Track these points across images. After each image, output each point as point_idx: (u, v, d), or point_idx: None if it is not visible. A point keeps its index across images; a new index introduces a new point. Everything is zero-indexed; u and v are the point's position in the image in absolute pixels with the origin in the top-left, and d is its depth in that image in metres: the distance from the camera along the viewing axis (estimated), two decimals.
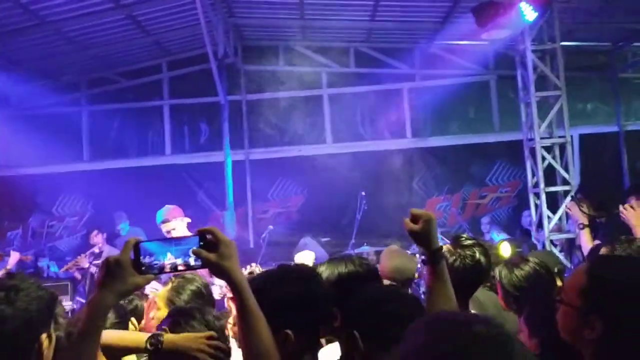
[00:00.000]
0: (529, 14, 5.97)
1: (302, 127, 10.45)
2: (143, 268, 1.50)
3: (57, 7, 7.52)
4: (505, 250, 4.10)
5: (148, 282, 1.55)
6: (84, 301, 6.94)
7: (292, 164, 10.20)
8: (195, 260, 1.53)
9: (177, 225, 5.11)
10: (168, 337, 2.07)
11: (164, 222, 5.10)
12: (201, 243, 1.53)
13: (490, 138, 10.14)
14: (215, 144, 9.87)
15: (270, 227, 8.34)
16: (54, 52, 8.84)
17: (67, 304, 6.91)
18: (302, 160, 10.18)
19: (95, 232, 7.86)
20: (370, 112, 10.50)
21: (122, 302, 2.82)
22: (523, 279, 2.73)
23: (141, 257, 1.51)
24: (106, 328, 2.25)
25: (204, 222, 10.11)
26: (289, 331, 1.70)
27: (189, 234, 5.35)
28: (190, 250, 1.52)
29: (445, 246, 2.51)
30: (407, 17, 9.09)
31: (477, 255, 2.51)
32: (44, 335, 1.66)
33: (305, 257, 4.57)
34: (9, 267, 6.55)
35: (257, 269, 3.54)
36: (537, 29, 6.66)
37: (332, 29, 9.66)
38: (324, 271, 2.18)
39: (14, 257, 6.73)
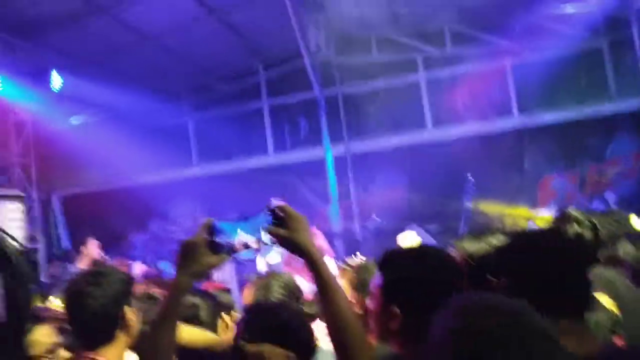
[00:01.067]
0: None
1: (401, 115, 10.24)
2: (218, 247, 1.51)
3: (155, 22, 7.89)
4: (638, 223, 3.65)
5: (222, 262, 1.56)
6: None
7: (394, 154, 10.01)
8: (267, 237, 1.53)
9: None
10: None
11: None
12: (273, 220, 1.52)
13: (607, 108, 9.34)
14: (315, 140, 9.94)
15: (374, 216, 8.22)
16: (155, 65, 9.29)
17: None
18: (404, 150, 9.97)
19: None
20: (471, 93, 10.05)
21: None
22: None
23: (216, 237, 1.52)
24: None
25: (310, 219, 10.24)
26: (396, 309, 1.65)
27: None
28: (262, 227, 1.51)
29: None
30: None
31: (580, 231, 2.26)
32: (126, 307, 2.16)
33: (408, 238, 4.42)
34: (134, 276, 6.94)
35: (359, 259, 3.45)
36: None
37: (423, 11, 9.35)
38: (470, 247, 2.08)
39: (137, 268, 7.11)
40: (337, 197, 9.04)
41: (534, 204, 9.52)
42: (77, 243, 10.12)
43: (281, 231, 1.50)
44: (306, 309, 2.63)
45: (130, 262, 7.64)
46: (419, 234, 8.46)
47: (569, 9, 8.84)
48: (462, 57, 9.90)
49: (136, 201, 10.46)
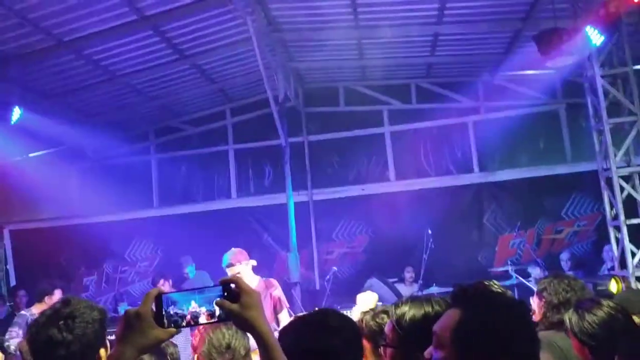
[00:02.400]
0: (596, 37, 5.68)
1: (364, 166, 10.37)
2: (165, 320, 1.43)
3: (126, 61, 7.88)
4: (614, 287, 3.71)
5: (171, 336, 1.46)
6: None
7: (356, 204, 10.08)
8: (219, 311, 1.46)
9: (242, 269, 5.07)
10: None
11: (228, 266, 5.08)
12: (225, 293, 1.46)
13: (563, 169, 9.65)
14: (279, 186, 9.93)
15: (335, 268, 8.21)
16: (123, 104, 9.26)
17: None
18: (366, 200, 10.06)
19: (161, 280, 7.98)
20: (434, 148, 10.27)
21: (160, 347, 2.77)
22: (596, 326, 2.42)
23: (164, 308, 1.43)
24: None
25: (269, 265, 10.13)
26: None
27: (255, 277, 5.35)
28: (214, 301, 1.45)
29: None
30: (468, 50, 8.93)
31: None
32: (102, 350, 1.97)
33: (367, 298, 4.41)
34: None
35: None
36: (606, 53, 6.33)
37: (391, 66, 9.61)
38: (408, 311, 2.03)
39: None
40: (296, 245, 8.98)
41: (491, 260, 9.64)
42: (23, 279, 9.80)
43: (233, 306, 1.43)
44: None
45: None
46: (377, 287, 8.49)
47: (530, 72, 9.19)
48: (426, 112, 10.16)
49: (91, 240, 10.18)
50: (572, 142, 9.76)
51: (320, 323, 1.76)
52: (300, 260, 9.16)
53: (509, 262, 8.51)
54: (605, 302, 2.54)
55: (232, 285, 1.47)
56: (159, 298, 1.44)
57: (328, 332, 1.72)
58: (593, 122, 6.57)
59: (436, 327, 1.59)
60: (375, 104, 10.36)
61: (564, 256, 8.93)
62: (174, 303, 1.44)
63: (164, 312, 1.43)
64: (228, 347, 2.46)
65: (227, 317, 1.45)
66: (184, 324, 1.44)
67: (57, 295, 6.25)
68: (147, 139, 10.80)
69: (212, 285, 1.52)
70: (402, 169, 10.26)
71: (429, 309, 1.98)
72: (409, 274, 8.92)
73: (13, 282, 10.22)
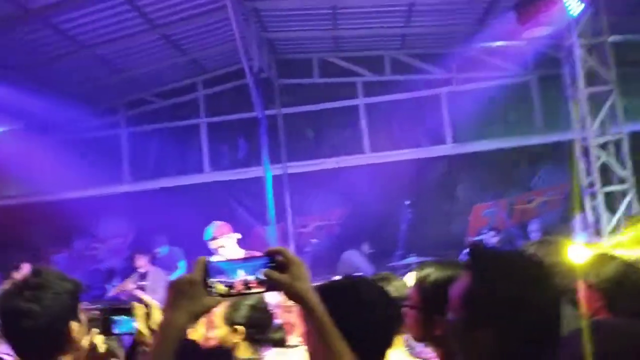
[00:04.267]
0: (575, 7, 5.73)
1: (339, 139, 10.33)
2: (212, 288, 1.40)
3: (94, 31, 7.61)
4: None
5: (219, 304, 1.45)
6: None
7: (331, 177, 10.06)
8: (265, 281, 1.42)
9: (226, 242, 5.01)
10: None
11: (212, 239, 5.00)
12: (271, 264, 1.42)
13: (534, 140, 9.81)
14: (253, 159, 9.83)
15: (315, 240, 8.19)
16: (91, 76, 8.96)
17: None
18: (341, 172, 10.04)
19: (138, 255, 7.86)
20: (408, 120, 10.29)
21: None
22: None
23: (211, 276, 1.40)
24: None
25: (245, 239, 10.04)
26: None
27: (240, 251, 5.30)
28: (260, 272, 1.41)
29: None
30: (442, 21, 8.92)
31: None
32: (73, 322, 1.86)
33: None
34: None
35: None
36: (583, 22, 6.39)
37: (365, 37, 9.54)
38: (432, 272, 2.01)
39: None
40: (274, 218, 8.93)
41: (465, 230, 9.80)
42: None
43: (282, 276, 1.40)
44: (274, 335, 2.54)
45: None
46: (355, 258, 8.56)
47: (502, 44, 9.25)
48: (400, 84, 10.15)
49: (60, 217, 9.90)
50: (543, 113, 9.91)
51: (352, 296, 1.70)
52: (276, 234, 9.13)
53: (484, 231, 8.67)
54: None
55: (279, 256, 1.43)
56: (207, 266, 1.41)
57: (360, 306, 1.67)
58: (570, 91, 6.67)
59: (450, 290, 1.54)
60: (349, 75, 10.29)
61: (533, 227, 9.13)
62: (220, 272, 1.41)
63: (210, 280, 1.40)
64: None
65: (275, 287, 1.43)
66: (232, 292, 1.42)
67: (25, 269, 6.09)
68: (117, 112, 10.50)
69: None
70: (376, 141, 10.26)
71: (452, 272, 1.96)
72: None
73: None
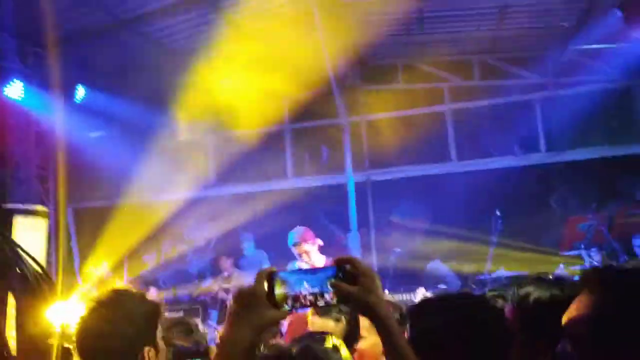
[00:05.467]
0: None
1: (424, 146, 10.05)
2: (277, 300, 1.32)
3: (184, 39, 7.80)
4: None
5: (285, 317, 1.37)
6: (215, 325, 6.99)
7: (415, 185, 9.81)
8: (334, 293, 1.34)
9: (309, 248, 4.99)
10: None
11: (295, 244, 4.99)
12: (340, 274, 1.33)
13: (637, 149, 9.08)
14: (336, 166, 9.75)
15: (398, 249, 7.98)
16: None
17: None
18: (425, 180, 9.76)
19: (223, 258, 7.98)
20: (497, 127, 9.84)
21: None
22: None
23: (275, 288, 1.33)
24: None
25: (327, 246, 10.00)
26: None
27: (321, 257, 5.23)
28: (328, 282, 1.32)
29: None
30: (537, 23, 8.46)
31: None
32: (147, 348, 1.74)
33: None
34: None
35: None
36: None
37: (453, 41, 9.23)
38: (533, 292, 1.81)
39: (151, 294, 6.78)
40: (357, 226, 8.80)
41: (558, 244, 9.23)
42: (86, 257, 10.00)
43: (352, 289, 1.31)
44: None
45: (143, 286, 7.44)
46: (441, 270, 8.25)
47: (603, 46, 8.65)
48: (489, 89, 9.74)
49: (150, 218, 10.27)
50: None
51: (471, 313, 1.56)
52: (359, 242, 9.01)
53: (579, 246, 8.11)
54: None
55: (348, 266, 1.34)
56: (271, 277, 1.33)
57: (479, 324, 1.52)
58: None
59: (566, 317, 1.33)
60: (435, 81, 9.99)
61: (637, 241, 8.45)
62: (284, 283, 1.33)
63: (275, 292, 1.32)
64: None
65: (344, 300, 1.33)
66: (297, 304, 1.33)
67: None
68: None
69: (293, 265, 1.39)
70: (463, 149, 9.90)
71: (557, 291, 1.74)
72: None
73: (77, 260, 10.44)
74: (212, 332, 6.35)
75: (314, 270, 1.40)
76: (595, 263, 7.68)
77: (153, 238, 10.69)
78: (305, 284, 1.32)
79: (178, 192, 10.27)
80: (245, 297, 1.32)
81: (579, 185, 9.39)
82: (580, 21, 8.18)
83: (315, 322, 2.97)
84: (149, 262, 10.76)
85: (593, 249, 7.83)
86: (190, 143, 10.64)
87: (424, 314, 1.63)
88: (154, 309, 1.87)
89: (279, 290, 1.32)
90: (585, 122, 9.25)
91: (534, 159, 9.56)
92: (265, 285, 1.32)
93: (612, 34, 7.67)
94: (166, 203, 10.25)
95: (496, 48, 9.47)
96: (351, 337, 2.77)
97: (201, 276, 10.01)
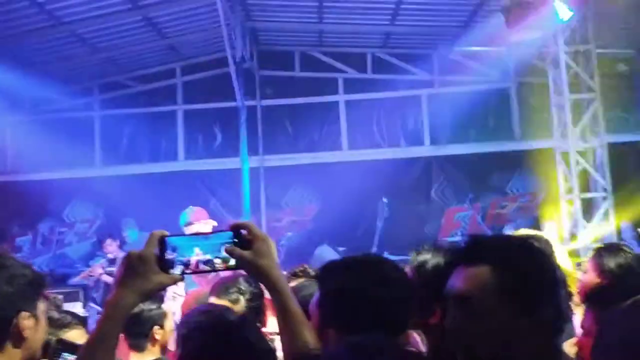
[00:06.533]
0: (564, 13, 5.77)
1: (317, 134, 10.26)
2: (168, 266, 1.30)
3: (73, 7, 7.37)
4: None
5: (174, 282, 1.34)
6: (98, 308, 6.70)
7: (307, 171, 9.96)
8: (227, 258, 1.33)
9: (202, 228, 4.88)
10: None
11: (187, 224, 4.88)
12: (234, 240, 1.32)
13: (511, 146, 9.90)
14: (229, 150, 9.67)
15: (289, 234, 8.09)
16: (67, 54, 8.69)
17: (79, 310, 6.67)
18: (318, 168, 9.95)
19: (109, 240, 7.66)
20: (387, 119, 10.28)
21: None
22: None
23: (166, 253, 1.30)
24: None
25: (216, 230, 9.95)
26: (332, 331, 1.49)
27: None
28: (222, 248, 1.31)
29: None
30: (428, 22, 8.93)
31: None
32: (24, 313, 1.56)
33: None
34: None
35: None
36: (569, 30, 6.44)
37: (350, 33, 9.48)
38: (430, 259, 1.92)
39: None
40: (249, 210, 8.80)
41: (437, 232, 9.82)
42: None
43: (245, 253, 1.31)
44: None
45: None
46: (329, 254, 8.47)
47: (484, 49, 9.29)
48: (381, 83, 10.12)
49: (26, 198, 9.59)
50: (521, 120, 10.00)
51: (377, 271, 1.60)
52: None
53: (456, 234, 8.70)
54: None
55: (243, 231, 1.34)
56: (162, 242, 1.30)
57: (383, 282, 1.57)
58: (554, 97, 6.71)
59: (464, 288, 1.34)
60: (331, 71, 10.21)
61: (507, 231, 9.19)
62: (175, 248, 1.31)
63: (166, 257, 1.30)
64: None
65: (237, 265, 1.33)
66: (188, 270, 1.32)
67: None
68: (91, 94, 10.21)
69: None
70: (354, 138, 10.22)
71: (451, 257, 1.89)
72: None
73: None
74: (95, 315, 6.11)
75: (207, 236, 1.36)
76: None
77: (30, 219, 10.02)
78: (197, 250, 1.31)
79: (60, 170, 9.66)
80: (133, 261, 1.29)
81: (457, 178, 10.03)
82: (466, 23, 8.72)
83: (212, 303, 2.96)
84: (24, 244, 10.07)
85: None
86: (77, 119, 10.04)
87: (331, 275, 1.64)
88: (39, 278, 1.71)
89: (169, 256, 1.29)
90: (465, 119, 9.92)
91: (419, 151, 10.08)
92: (157, 250, 1.29)
93: (493, 37, 8.23)
94: (46, 182, 9.63)
95: (389, 43, 9.86)
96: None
97: (82, 259, 9.54)
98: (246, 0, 8.38)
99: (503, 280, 1.31)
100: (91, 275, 7.42)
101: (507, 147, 9.88)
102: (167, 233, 1.34)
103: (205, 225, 5.15)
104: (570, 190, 6.50)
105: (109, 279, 7.38)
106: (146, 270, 1.28)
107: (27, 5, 7.03)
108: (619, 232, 7.04)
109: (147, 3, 7.75)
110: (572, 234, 6.44)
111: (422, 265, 1.94)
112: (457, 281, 1.37)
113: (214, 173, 9.96)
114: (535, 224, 9.57)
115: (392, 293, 1.54)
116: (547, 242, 2.68)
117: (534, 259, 1.37)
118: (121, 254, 7.69)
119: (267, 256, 1.34)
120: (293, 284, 2.65)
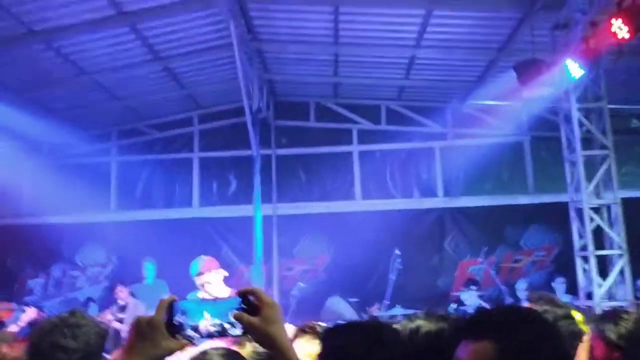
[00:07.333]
0: (575, 71, 5.84)
1: (331, 184, 10.31)
2: (177, 331, 1.32)
3: (97, 57, 7.60)
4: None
5: (182, 348, 1.34)
6: (108, 357, 6.63)
7: (320, 221, 9.98)
8: (236, 324, 1.35)
9: (212, 278, 4.85)
10: None
11: (199, 274, 4.84)
12: (243, 305, 1.35)
13: (525, 200, 9.87)
14: (243, 198, 9.74)
15: (301, 284, 8.04)
16: (88, 102, 8.92)
17: None
18: (330, 217, 9.96)
19: (119, 287, 7.65)
20: (400, 170, 10.33)
21: None
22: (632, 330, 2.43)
23: (175, 317, 1.32)
24: None
25: (229, 277, 9.90)
26: None
27: (225, 289, 5.15)
28: (230, 314, 1.33)
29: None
30: (441, 76, 9.05)
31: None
32: None
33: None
34: (20, 323, 6.14)
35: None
36: (582, 86, 6.51)
37: (364, 86, 9.65)
38: (424, 326, 1.94)
39: (29, 314, 6.30)
40: (261, 258, 8.78)
41: (450, 285, 9.70)
42: None
43: (253, 319, 1.32)
44: None
45: (20, 306, 6.89)
46: (340, 305, 8.40)
47: (498, 103, 9.39)
48: (395, 134, 10.23)
49: (40, 241, 9.69)
50: (535, 173, 10.00)
51: (375, 335, 1.66)
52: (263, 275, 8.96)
53: (470, 287, 8.55)
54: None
55: (251, 297, 1.36)
56: (171, 306, 1.33)
57: (381, 346, 1.62)
58: (566, 153, 6.72)
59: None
60: (345, 122, 10.36)
61: (521, 285, 9.05)
62: (184, 313, 1.33)
63: (175, 321, 1.32)
64: None
65: (245, 331, 1.34)
66: (197, 335, 1.33)
67: (31, 312, 5.92)
68: (109, 139, 10.43)
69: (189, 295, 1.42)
70: (368, 189, 10.26)
71: (444, 324, 1.92)
72: None
73: None
74: None
75: (216, 301, 1.40)
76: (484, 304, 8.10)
77: (43, 261, 10.07)
78: (206, 315, 1.32)
79: (74, 214, 9.77)
80: (142, 325, 1.30)
81: (471, 231, 9.97)
82: (479, 78, 8.84)
83: None
84: (35, 287, 10.09)
85: (472, 288, 8.19)
86: (94, 164, 10.22)
87: (335, 334, 1.72)
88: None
89: (178, 320, 1.31)
90: (479, 172, 9.94)
91: (432, 203, 10.07)
92: (165, 314, 1.31)
93: (506, 92, 8.32)
94: (61, 225, 9.73)
95: (403, 96, 10.01)
96: None
97: (91, 304, 9.50)
98: (264, 54, 8.59)
99: (505, 357, 1.31)
100: (101, 322, 7.37)
101: (521, 201, 9.85)
102: (176, 298, 1.36)
103: (217, 274, 5.13)
104: (584, 247, 6.42)
105: (118, 326, 7.34)
106: (155, 336, 1.29)
107: (52, 55, 7.27)
108: (635, 290, 6.93)
109: (168, 55, 7.97)
110: (587, 292, 6.34)
111: (415, 331, 1.96)
112: (462, 354, 1.38)
113: (228, 220, 10.02)
114: (549, 278, 9.46)
115: (389, 354, 1.60)
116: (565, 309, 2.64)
117: (539, 336, 1.37)
118: (132, 301, 7.67)
119: (275, 323, 1.34)
120: (301, 340, 2.64)
